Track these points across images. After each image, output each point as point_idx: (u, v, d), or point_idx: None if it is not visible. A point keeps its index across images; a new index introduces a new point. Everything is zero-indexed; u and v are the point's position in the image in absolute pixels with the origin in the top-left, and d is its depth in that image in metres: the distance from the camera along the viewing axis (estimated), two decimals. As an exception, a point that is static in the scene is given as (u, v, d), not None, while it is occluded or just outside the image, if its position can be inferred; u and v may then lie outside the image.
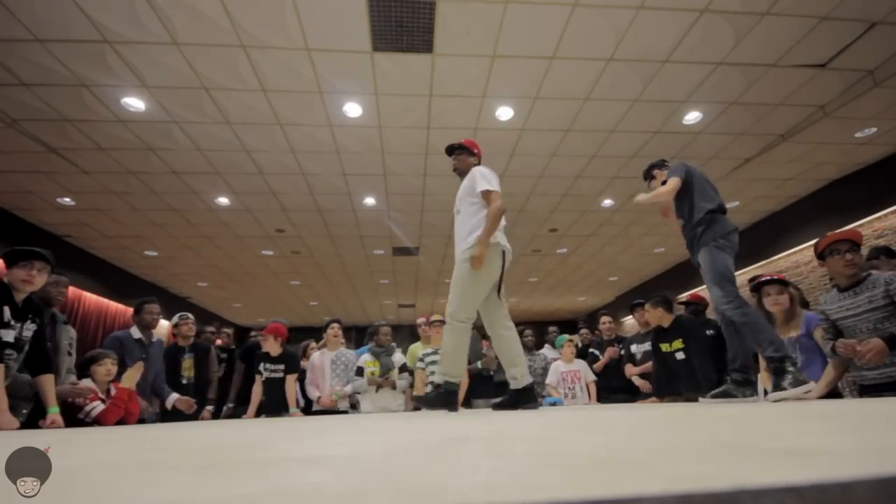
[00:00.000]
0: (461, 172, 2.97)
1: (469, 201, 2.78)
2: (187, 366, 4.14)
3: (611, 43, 3.91)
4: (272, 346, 3.97)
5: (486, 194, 2.71)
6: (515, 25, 3.69)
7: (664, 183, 2.87)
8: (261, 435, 1.40)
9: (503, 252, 2.70)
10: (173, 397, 3.68)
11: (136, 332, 3.64)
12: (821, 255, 2.58)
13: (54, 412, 2.47)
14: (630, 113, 4.87)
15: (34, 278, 2.40)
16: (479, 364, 4.21)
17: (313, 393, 4.11)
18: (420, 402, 2.84)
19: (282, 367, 3.97)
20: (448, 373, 2.72)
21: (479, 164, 3.00)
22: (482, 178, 2.77)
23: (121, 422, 2.90)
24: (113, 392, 2.95)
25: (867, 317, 2.41)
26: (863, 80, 4.39)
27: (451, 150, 3.04)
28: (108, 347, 3.39)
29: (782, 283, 2.86)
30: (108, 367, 2.96)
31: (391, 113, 4.77)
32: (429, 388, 4.09)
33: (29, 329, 2.44)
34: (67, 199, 6.27)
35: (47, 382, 2.50)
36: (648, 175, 3.28)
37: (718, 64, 4.17)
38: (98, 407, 2.80)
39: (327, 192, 6.39)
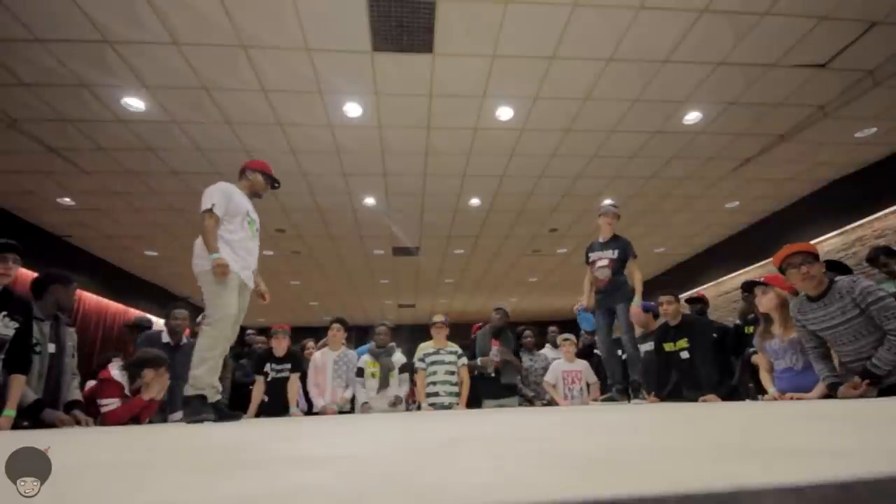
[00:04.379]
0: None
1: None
2: None
3: (611, 43, 3.90)
4: (282, 346, 3.97)
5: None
6: (515, 25, 3.69)
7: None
8: (260, 435, 1.40)
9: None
10: (178, 415, 3.66)
11: (165, 336, 3.69)
12: (780, 269, 2.56)
13: (7, 415, 2.34)
14: (630, 113, 4.86)
15: (10, 270, 2.33)
16: (478, 361, 4.23)
17: (315, 393, 4.11)
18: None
19: (288, 366, 3.97)
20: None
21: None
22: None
23: (131, 421, 2.90)
24: (145, 391, 2.93)
25: (846, 328, 2.38)
26: (863, 80, 4.39)
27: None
28: (143, 345, 3.46)
29: (766, 284, 2.88)
30: (164, 378, 2.99)
31: (391, 113, 4.77)
32: (429, 388, 4.10)
33: (9, 326, 2.36)
34: (67, 199, 6.27)
35: (14, 382, 2.40)
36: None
37: (718, 64, 4.17)
38: (113, 404, 2.80)
39: (327, 192, 6.39)
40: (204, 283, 2.75)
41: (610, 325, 3.89)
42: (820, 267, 2.45)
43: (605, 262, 3.86)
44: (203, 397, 2.64)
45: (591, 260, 4.01)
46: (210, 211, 2.74)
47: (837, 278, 2.44)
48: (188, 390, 2.65)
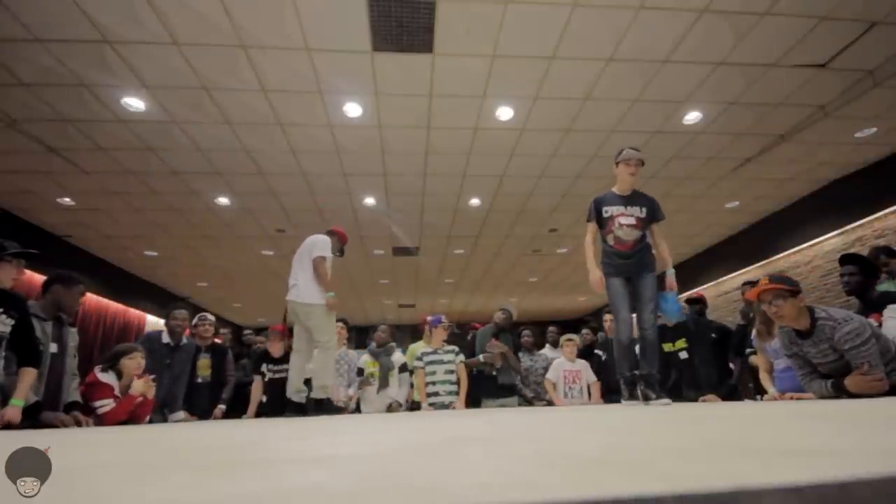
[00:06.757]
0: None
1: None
2: (203, 365, 4.10)
3: (611, 43, 3.90)
4: (277, 347, 3.97)
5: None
6: (515, 25, 3.69)
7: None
8: (261, 435, 1.40)
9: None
10: (179, 415, 3.66)
11: (165, 336, 3.72)
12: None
13: (15, 404, 2.35)
14: (630, 113, 4.86)
15: (22, 274, 2.36)
16: (480, 357, 4.23)
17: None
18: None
19: (286, 366, 3.96)
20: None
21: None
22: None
23: (129, 421, 2.90)
24: (132, 388, 2.94)
25: (841, 363, 2.35)
26: (863, 80, 4.39)
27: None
28: (143, 344, 3.45)
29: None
30: (138, 360, 3.00)
31: (391, 113, 4.77)
32: (428, 388, 4.10)
33: (6, 324, 2.37)
34: (67, 199, 6.26)
35: (24, 374, 2.42)
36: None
37: (718, 64, 4.17)
38: (108, 405, 2.80)
39: (327, 192, 6.39)
40: (315, 313, 3.57)
41: (630, 301, 3.13)
42: (793, 304, 2.41)
43: (631, 221, 3.08)
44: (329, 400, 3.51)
45: (607, 215, 3.14)
46: (325, 258, 3.71)
47: (819, 316, 2.39)
48: (319, 394, 3.48)
